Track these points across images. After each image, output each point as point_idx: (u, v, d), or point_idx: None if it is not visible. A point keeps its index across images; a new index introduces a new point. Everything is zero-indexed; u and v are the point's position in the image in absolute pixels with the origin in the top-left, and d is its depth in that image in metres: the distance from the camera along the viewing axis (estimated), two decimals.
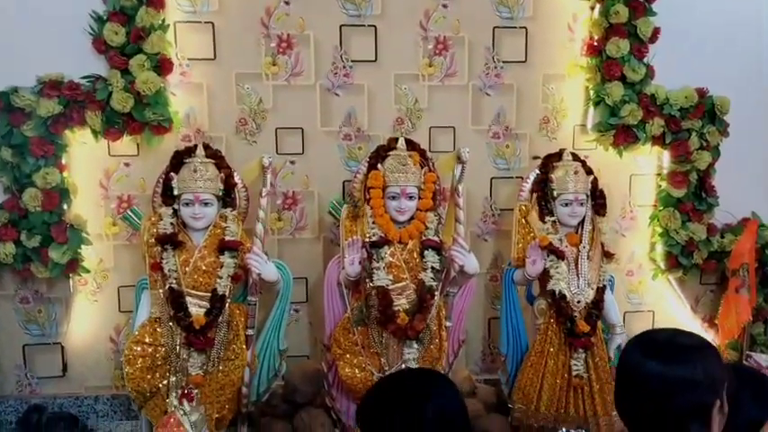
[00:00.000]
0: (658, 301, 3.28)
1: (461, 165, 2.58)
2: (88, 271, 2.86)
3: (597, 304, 2.65)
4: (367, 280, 2.54)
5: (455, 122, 3.04)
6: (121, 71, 2.67)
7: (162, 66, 2.70)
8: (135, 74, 2.65)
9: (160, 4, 2.69)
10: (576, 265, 2.66)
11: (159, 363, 2.47)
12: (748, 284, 3.01)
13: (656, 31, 2.95)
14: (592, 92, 3.02)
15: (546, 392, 2.67)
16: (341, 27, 2.91)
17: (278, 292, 2.66)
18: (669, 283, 3.25)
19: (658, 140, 3.04)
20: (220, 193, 2.54)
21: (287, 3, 2.87)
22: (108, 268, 2.94)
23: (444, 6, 2.95)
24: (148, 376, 2.46)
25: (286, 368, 2.77)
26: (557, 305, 2.63)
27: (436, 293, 2.56)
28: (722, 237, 3.16)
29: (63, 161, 2.75)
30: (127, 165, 2.88)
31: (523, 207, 2.78)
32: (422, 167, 2.62)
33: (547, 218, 2.71)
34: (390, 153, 2.62)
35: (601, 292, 2.67)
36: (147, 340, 2.47)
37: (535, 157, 2.93)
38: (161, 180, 2.57)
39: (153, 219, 2.53)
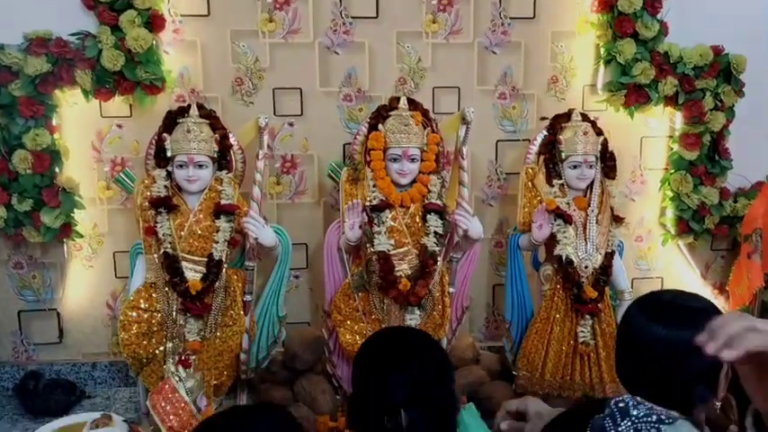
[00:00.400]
0: (668, 268, 3.20)
1: (466, 125, 2.49)
2: (82, 236, 2.79)
3: (605, 269, 2.57)
4: (368, 245, 2.47)
5: (460, 82, 2.93)
6: (111, 28, 2.56)
7: (153, 22, 2.59)
8: (125, 30, 2.55)
9: None
10: (584, 229, 2.58)
11: (155, 329, 2.43)
12: (761, 250, 2.91)
13: None
14: (602, 50, 2.90)
15: (551, 359, 2.62)
16: None
17: (276, 258, 2.60)
18: (679, 248, 3.17)
19: (671, 101, 2.92)
20: (215, 155, 2.46)
21: None
22: (103, 233, 2.87)
23: None
24: (144, 342, 2.41)
25: (286, 335, 2.72)
26: (563, 271, 2.55)
27: (439, 259, 2.49)
28: (735, 201, 3.06)
29: (53, 122, 2.66)
30: (119, 126, 2.79)
31: (530, 170, 2.69)
32: (425, 128, 2.52)
33: (554, 181, 2.62)
34: (392, 113, 2.52)
35: (609, 257, 2.59)
36: (142, 306, 2.42)
37: (543, 118, 2.83)
38: (154, 141, 2.48)
39: (146, 181, 2.45)
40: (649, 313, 1.23)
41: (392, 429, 1.26)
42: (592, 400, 0.84)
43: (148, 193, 2.41)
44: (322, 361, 2.73)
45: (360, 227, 2.47)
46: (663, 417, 0.65)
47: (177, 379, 2.13)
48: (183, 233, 2.40)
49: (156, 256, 2.41)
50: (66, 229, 2.71)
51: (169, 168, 2.43)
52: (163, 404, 2.09)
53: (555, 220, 2.56)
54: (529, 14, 2.90)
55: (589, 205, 2.61)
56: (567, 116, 2.68)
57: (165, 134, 2.42)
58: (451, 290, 2.60)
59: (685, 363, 1.14)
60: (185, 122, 2.42)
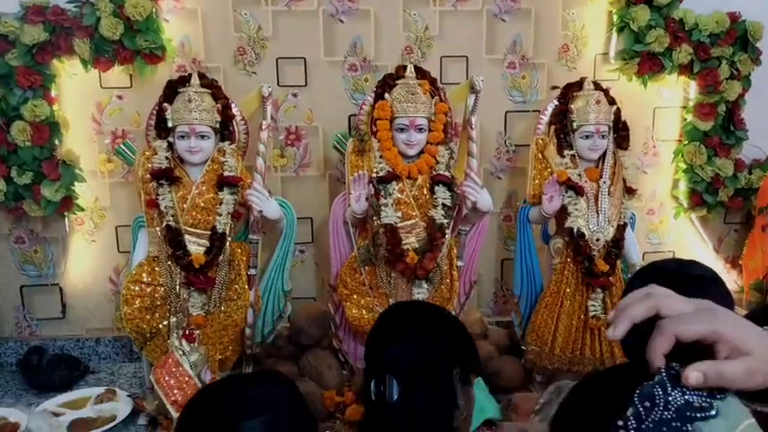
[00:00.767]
0: (679, 241, 3.14)
1: (475, 94, 2.42)
2: (83, 209, 2.74)
3: (617, 242, 2.51)
4: (374, 217, 2.42)
5: (468, 51, 2.84)
6: None
7: None
8: None
9: None
10: (596, 201, 2.51)
11: (158, 303, 2.38)
12: None
13: None
14: (615, 17, 2.80)
15: (561, 334, 2.57)
16: None
17: (281, 231, 2.55)
18: (692, 222, 3.10)
19: (685, 69, 2.83)
20: (217, 126, 2.39)
21: None
22: (105, 207, 2.82)
23: None
24: (147, 317, 2.37)
25: (291, 310, 2.68)
26: (574, 244, 2.49)
27: (447, 231, 2.44)
28: (750, 173, 2.98)
29: (52, 93, 2.60)
30: (120, 98, 2.72)
31: (540, 141, 2.62)
32: (432, 97, 2.45)
33: (565, 151, 2.54)
34: (398, 82, 2.45)
35: (621, 229, 2.53)
36: (145, 279, 2.37)
37: (554, 87, 2.75)
38: (154, 111, 2.42)
39: (147, 153, 2.39)
40: (653, 282, 1.18)
41: (377, 396, 1.21)
42: (618, 367, 0.78)
43: (149, 165, 2.35)
44: (328, 336, 2.69)
45: (366, 199, 2.41)
46: (715, 391, 0.60)
47: (181, 353, 2.10)
48: (185, 206, 2.35)
49: (158, 229, 2.36)
50: (67, 203, 2.66)
51: (170, 139, 2.37)
52: (167, 378, 2.06)
53: (566, 192, 2.49)
54: None
55: (601, 176, 2.54)
56: (578, 85, 2.60)
57: (165, 104, 2.36)
58: (460, 263, 2.55)
59: None
60: (186, 92, 2.35)
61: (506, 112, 2.93)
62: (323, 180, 2.91)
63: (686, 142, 2.95)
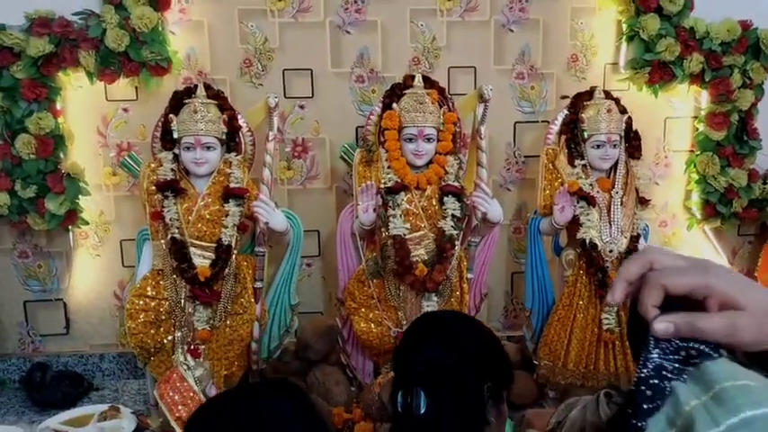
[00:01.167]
0: (693, 254, 3.02)
1: (484, 103, 2.39)
2: (87, 223, 2.71)
3: (631, 253, 2.45)
4: (382, 229, 2.37)
5: (476, 62, 2.82)
6: (115, 6, 2.47)
7: (159, 0, 2.50)
8: (130, 9, 2.46)
9: None
10: (609, 211, 2.46)
11: (163, 317, 2.34)
12: None
13: None
14: (625, 26, 2.78)
15: (574, 348, 2.51)
16: None
17: (288, 244, 2.50)
18: (705, 234, 3.05)
19: (697, 78, 2.80)
20: (223, 137, 2.36)
21: None
22: (109, 221, 2.79)
23: None
24: (152, 331, 2.33)
25: (298, 324, 2.63)
26: (587, 255, 2.44)
27: (457, 243, 2.39)
28: (764, 183, 2.93)
29: (57, 106, 2.58)
30: (125, 110, 2.71)
31: (551, 151, 2.58)
32: (441, 107, 2.42)
33: (576, 161, 2.50)
34: (406, 91, 2.42)
35: (635, 240, 2.47)
36: (149, 293, 2.33)
37: (563, 97, 2.72)
38: (160, 123, 2.39)
39: (152, 165, 2.36)
40: None
41: (404, 408, 1.16)
42: None
43: (155, 177, 2.32)
44: (336, 351, 2.64)
45: (374, 210, 2.37)
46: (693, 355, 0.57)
47: (186, 368, 2.04)
48: (190, 218, 2.32)
49: (163, 241, 2.32)
50: (72, 216, 2.63)
51: (176, 151, 2.35)
52: (171, 394, 2.01)
53: (578, 203, 2.45)
54: None
55: (613, 187, 2.49)
56: (589, 94, 2.56)
57: (171, 115, 2.33)
58: (470, 276, 2.50)
59: None
60: (192, 103, 2.33)
61: (515, 123, 2.90)
62: (330, 192, 2.87)
63: (698, 152, 2.91)
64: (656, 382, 0.56)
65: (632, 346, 0.68)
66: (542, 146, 2.64)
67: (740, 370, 0.53)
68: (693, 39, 2.74)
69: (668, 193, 3.02)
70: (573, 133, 2.54)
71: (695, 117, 2.94)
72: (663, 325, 0.58)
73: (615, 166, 2.52)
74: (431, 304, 2.38)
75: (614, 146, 2.48)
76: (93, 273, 2.83)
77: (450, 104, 2.49)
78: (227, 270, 2.34)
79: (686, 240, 3.07)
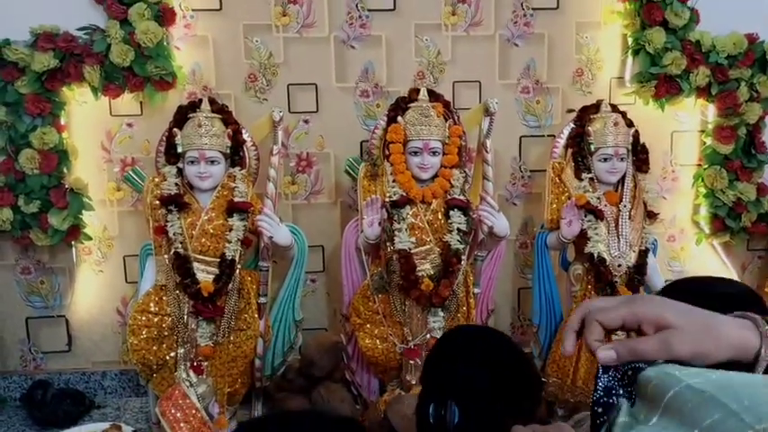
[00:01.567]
0: (702, 269, 3.04)
1: (489, 117, 2.38)
2: (90, 238, 2.69)
3: (640, 268, 2.42)
4: (387, 243, 2.35)
5: (481, 76, 2.81)
6: (120, 22, 2.47)
7: (164, 15, 2.50)
8: (135, 24, 2.46)
9: None
10: (617, 225, 2.44)
11: (166, 333, 2.31)
12: None
13: None
14: (630, 39, 2.77)
15: (583, 365, 2.46)
16: None
17: (292, 259, 2.48)
18: (714, 248, 3.01)
19: (703, 92, 2.78)
20: (228, 151, 2.35)
21: None
22: (113, 236, 2.77)
23: None
24: (154, 348, 2.30)
25: (302, 340, 2.60)
26: (595, 270, 2.41)
27: (463, 257, 2.36)
28: None
29: (62, 121, 2.57)
30: (130, 125, 2.70)
31: (557, 164, 2.56)
32: (446, 120, 2.40)
33: (583, 175, 2.48)
34: (411, 105, 2.41)
35: (643, 255, 2.44)
36: (152, 309, 2.31)
37: (569, 111, 2.70)
38: (164, 137, 2.38)
39: (156, 179, 2.35)
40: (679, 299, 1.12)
41: (437, 419, 1.15)
42: None
43: (158, 191, 2.30)
44: (340, 368, 2.60)
45: (379, 224, 2.35)
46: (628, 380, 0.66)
47: (188, 384, 2.01)
48: (194, 232, 2.29)
49: (166, 256, 2.30)
50: (75, 232, 2.62)
51: (180, 165, 2.33)
52: (173, 411, 1.97)
53: (585, 216, 2.42)
54: (552, 5, 2.78)
55: (621, 200, 2.47)
56: (595, 107, 2.55)
57: (175, 129, 2.32)
58: (476, 290, 2.47)
59: None
60: (196, 117, 2.32)
61: (521, 137, 2.88)
62: (334, 207, 2.85)
63: (706, 166, 2.88)
64: (605, 400, 0.64)
65: None
66: (548, 160, 2.62)
67: (670, 366, 0.60)
68: (700, 52, 2.73)
69: (676, 207, 2.99)
70: (579, 147, 2.52)
71: (702, 131, 2.92)
72: (605, 353, 0.64)
73: (622, 179, 2.50)
74: (437, 320, 2.35)
75: (621, 159, 2.46)
76: (95, 289, 2.81)
77: (456, 118, 2.48)
78: (230, 285, 2.31)
79: (695, 255, 3.03)
